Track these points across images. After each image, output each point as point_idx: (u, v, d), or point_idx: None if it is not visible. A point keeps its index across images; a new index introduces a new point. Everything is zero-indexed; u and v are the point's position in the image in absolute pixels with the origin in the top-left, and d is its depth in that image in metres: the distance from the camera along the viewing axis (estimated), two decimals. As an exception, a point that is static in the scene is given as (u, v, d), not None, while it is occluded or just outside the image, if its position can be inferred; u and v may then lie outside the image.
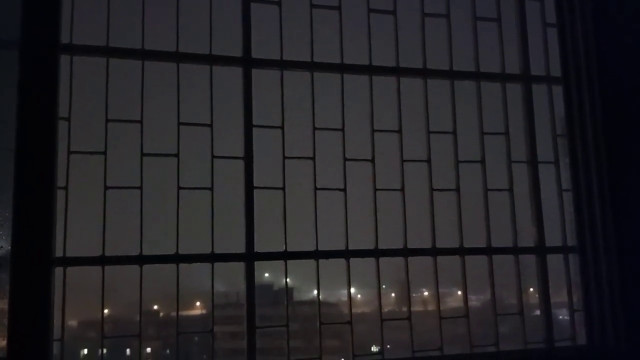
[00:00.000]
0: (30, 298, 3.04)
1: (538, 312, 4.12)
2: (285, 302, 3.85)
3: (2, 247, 3.08)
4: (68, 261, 3.29)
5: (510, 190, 4.18)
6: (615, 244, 3.94)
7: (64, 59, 3.45)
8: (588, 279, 3.95)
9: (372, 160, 3.93)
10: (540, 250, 4.13)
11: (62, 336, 3.25)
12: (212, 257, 3.54)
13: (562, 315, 4.25)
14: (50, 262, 3.19)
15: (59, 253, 3.27)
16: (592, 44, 4.17)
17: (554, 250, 4.18)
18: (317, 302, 3.85)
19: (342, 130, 3.91)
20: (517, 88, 4.32)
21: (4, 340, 2.97)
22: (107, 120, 3.51)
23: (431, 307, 4.14)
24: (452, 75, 4.19)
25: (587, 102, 4.12)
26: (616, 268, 3.92)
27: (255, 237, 3.61)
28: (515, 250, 4.13)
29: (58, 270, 3.25)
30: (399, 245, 3.90)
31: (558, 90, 4.30)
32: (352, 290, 3.84)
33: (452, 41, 4.24)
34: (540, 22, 4.44)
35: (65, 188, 3.34)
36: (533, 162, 4.23)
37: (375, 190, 3.90)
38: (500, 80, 4.30)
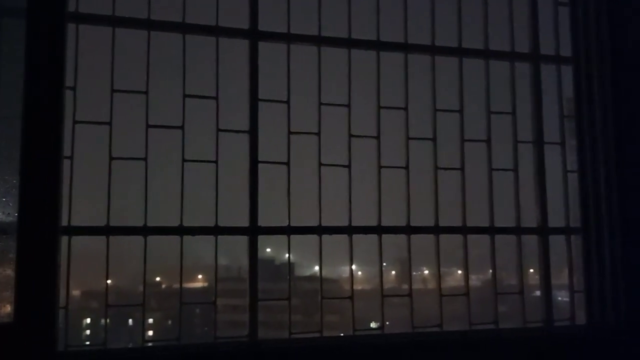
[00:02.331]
0: (36, 265, 3.06)
1: (537, 293, 4.15)
2: (288, 277, 3.88)
3: (9, 214, 3.09)
4: (73, 230, 3.31)
5: (515, 170, 4.18)
6: (619, 226, 3.95)
7: (70, 28, 3.41)
8: (590, 260, 3.97)
9: (378, 137, 3.92)
10: (543, 231, 4.14)
11: (67, 304, 3.29)
12: (216, 230, 3.56)
13: (561, 296, 4.27)
14: (56, 231, 3.20)
15: (64, 222, 3.28)
16: (605, 24, 4.12)
17: (557, 231, 4.19)
18: (317, 278, 3.89)
19: (348, 106, 3.89)
20: (525, 67, 4.28)
21: (10, 306, 3.01)
22: (113, 91, 3.49)
23: (430, 285, 4.18)
24: (460, 52, 4.15)
25: (596, 83, 4.08)
26: (619, 250, 3.94)
27: (259, 212, 3.62)
28: (518, 231, 4.14)
29: (63, 240, 3.27)
30: (401, 223, 3.91)
31: (566, 70, 4.27)
32: (353, 266, 3.86)
33: (461, 18, 4.19)
34: (552, 1, 4.37)
35: (71, 158, 3.34)
36: (539, 143, 4.21)
37: (380, 167, 3.90)
38: (509, 59, 4.26)
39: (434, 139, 4.04)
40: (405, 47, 4.04)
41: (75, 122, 3.39)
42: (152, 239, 3.45)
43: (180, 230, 3.50)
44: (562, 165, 4.27)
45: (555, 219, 4.19)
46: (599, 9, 4.15)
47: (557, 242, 4.19)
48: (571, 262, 4.19)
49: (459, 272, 4.13)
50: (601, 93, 4.08)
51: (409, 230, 3.91)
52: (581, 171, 4.07)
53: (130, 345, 3.80)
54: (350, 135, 3.87)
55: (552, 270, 4.12)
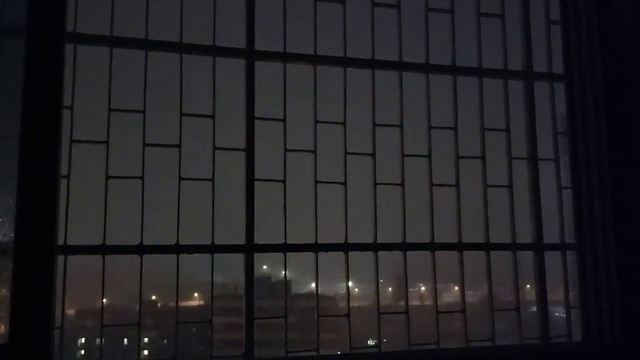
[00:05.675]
0: (32, 285, 3.05)
1: (533, 309, 4.15)
2: (284, 294, 3.88)
3: (5, 234, 3.08)
4: (69, 249, 3.30)
5: (510, 187, 4.20)
6: (614, 242, 3.96)
7: (68, 48, 3.44)
8: (586, 276, 3.98)
9: (373, 155, 3.94)
10: (538, 247, 4.16)
11: (62, 324, 3.26)
12: (212, 248, 3.55)
13: (557, 312, 4.27)
14: (53, 250, 3.19)
15: (60, 241, 3.27)
16: (597, 41, 4.17)
17: (552, 247, 4.20)
18: (314, 295, 3.88)
19: (344, 124, 3.91)
20: (519, 85, 4.34)
21: (5, 326, 2.99)
22: (110, 110, 3.51)
23: (427, 302, 4.17)
24: (454, 70, 4.20)
25: (590, 99, 4.13)
26: (614, 266, 3.95)
27: (255, 229, 3.62)
28: (514, 247, 4.15)
29: (59, 259, 3.26)
30: (397, 239, 3.92)
31: (559, 87, 4.32)
32: (350, 284, 3.86)
33: (455, 37, 4.24)
34: (544, 19, 4.44)
35: (67, 177, 3.35)
36: (533, 160, 4.24)
37: (376, 184, 3.91)
38: (502, 77, 4.31)
39: (429, 156, 4.06)
40: (399, 66, 4.09)
41: (72, 141, 3.39)
42: (147, 257, 3.44)
43: (177, 249, 3.49)
44: (557, 182, 4.30)
45: (551, 235, 4.21)
46: (591, 26, 4.20)
47: (552, 258, 4.21)
48: (567, 278, 4.19)
49: (456, 288, 4.14)
50: (594, 109, 4.13)
51: (405, 247, 3.91)
52: (575, 187, 4.10)
53: (125, 365, 3.76)
54: (346, 153, 3.88)
55: (548, 286, 4.12)
